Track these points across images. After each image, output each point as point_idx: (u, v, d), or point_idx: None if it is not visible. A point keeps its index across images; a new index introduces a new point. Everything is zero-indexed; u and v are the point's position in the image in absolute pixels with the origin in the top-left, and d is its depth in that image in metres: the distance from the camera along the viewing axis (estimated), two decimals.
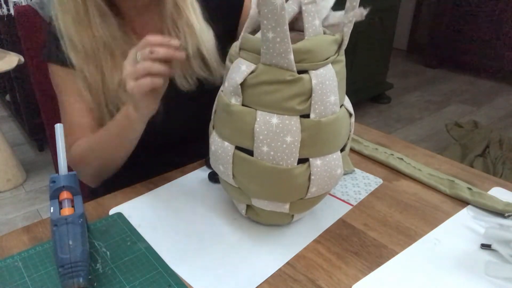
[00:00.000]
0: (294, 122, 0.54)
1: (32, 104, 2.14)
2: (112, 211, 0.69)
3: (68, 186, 0.57)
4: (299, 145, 0.54)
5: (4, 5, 2.01)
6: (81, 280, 0.51)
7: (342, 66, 0.58)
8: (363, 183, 0.77)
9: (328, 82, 0.54)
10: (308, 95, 0.53)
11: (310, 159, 0.56)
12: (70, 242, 0.51)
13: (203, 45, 0.78)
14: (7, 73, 2.18)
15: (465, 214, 0.69)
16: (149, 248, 0.61)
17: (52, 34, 0.76)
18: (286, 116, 0.53)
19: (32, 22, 0.85)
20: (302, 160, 0.56)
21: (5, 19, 2.07)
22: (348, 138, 0.62)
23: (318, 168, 0.56)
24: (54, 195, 0.56)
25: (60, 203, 0.56)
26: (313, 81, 0.53)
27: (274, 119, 0.53)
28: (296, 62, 0.52)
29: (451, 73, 3.62)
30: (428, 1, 3.77)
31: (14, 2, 1.97)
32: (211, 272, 0.57)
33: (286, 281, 0.56)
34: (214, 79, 0.80)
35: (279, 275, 0.57)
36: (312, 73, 0.53)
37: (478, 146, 2.33)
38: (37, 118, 2.13)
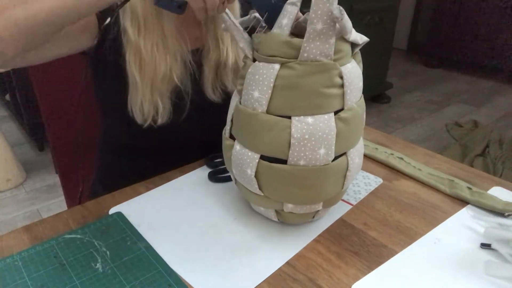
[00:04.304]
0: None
1: (32, 104, 2.14)
2: (112, 211, 0.69)
3: None
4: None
5: None
6: None
7: (292, 74, 0.54)
8: (363, 183, 0.77)
9: (251, 79, 0.56)
10: None
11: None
12: None
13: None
14: (7, 73, 2.18)
15: (465, 214, 0.69)
16: (149, 248, 0.61)
17: None
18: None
19: None
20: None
21: None
22: None
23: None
24: None
25: None
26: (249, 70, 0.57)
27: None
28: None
29: (451, 73, 3.62)
30: (428, 1, 3.78)
31: None
32: (211, 272, 0.57)
33: (286, 281, 0.56)
34: None
35: (279, 274, 0.57)
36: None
37: (478, 146, 2.33)
38: (37, 118, 2.13)
